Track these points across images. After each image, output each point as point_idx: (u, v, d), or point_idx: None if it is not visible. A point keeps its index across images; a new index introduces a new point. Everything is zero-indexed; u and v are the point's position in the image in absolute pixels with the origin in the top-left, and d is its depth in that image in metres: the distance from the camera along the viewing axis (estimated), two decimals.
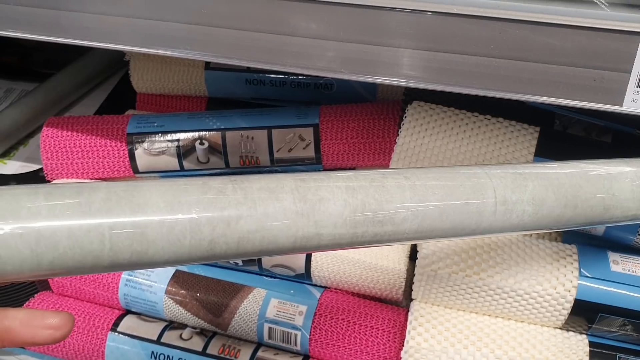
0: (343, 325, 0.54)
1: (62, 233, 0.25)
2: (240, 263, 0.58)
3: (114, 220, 0.26)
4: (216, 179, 0.29)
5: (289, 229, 0.29)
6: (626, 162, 0.38)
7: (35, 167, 0.72)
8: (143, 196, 0.27)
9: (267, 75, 0.66)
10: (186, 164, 0.61)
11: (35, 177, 0.70)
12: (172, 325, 0.59)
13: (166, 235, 0.27)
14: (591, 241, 0.52)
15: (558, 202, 0.34)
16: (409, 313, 0.50)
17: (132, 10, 0.42)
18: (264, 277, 0.59)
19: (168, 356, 0.56)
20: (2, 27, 0.46)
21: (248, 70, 0.66)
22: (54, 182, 0.63)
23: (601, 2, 0.35)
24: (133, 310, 0.61)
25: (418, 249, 0.50)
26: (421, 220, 0.31)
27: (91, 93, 0.83)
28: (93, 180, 0.64)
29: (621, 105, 0.37)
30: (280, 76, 0.66)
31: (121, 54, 0.81)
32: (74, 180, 0.63)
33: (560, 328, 0.48)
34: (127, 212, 0.26)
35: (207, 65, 0.67)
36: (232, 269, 0.60)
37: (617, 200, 0.36)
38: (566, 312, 0.46)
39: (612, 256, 0.48)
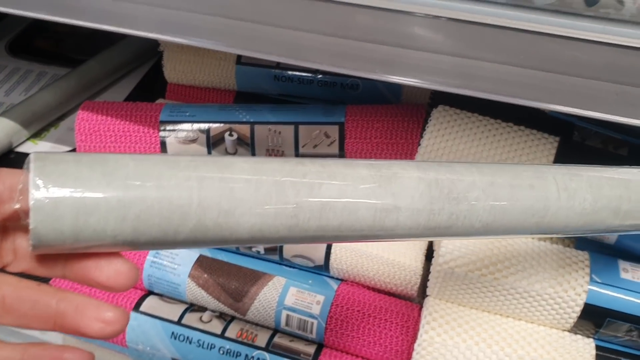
0: (359, 316, 0.56)
1: (152, 185, 0.25)
2: (263, 252, 0.60)
3: (203, 175, 0.25)
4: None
5: (368, 197, 0.28)
6: None
7: (65, 148, 0.74)
8: (228, 160, 0.27)
9: (295, 73, 0.69)
10: (214, 154, 0.63)
11: None
12: (192, 307, 0.61)
13: (254, 194, 0.26)
14: (602, 250, 0.54)
15: (613, 192, 0.34)
16: (424, 308, 0.52)
17: (177, 2, 0.45)
18: (284, 267, 0.61)
19: (187, 337, 0.58)
20: (23, 7, 0.48)
21: (277, 67, 0.69)
22: None
23: (629, 21, 0.37)
24: (155, 291, 0.63)
25: (435, 247, 0.52)
26: (493, 200, 0.31)
27: (120, 81, 0.85)
28: None
29: None
30: (308, 74, 0.68)
31: (150, 45, 0.84)
32: None
33: (568, 331, 0.50)
34: (214, 170, 0.26)
35: (239, 60, 0.70)
36: (253, 257, 0.62)
37: None
38: (575, 315, 0.48)
39: (623, 264, 0.50)
